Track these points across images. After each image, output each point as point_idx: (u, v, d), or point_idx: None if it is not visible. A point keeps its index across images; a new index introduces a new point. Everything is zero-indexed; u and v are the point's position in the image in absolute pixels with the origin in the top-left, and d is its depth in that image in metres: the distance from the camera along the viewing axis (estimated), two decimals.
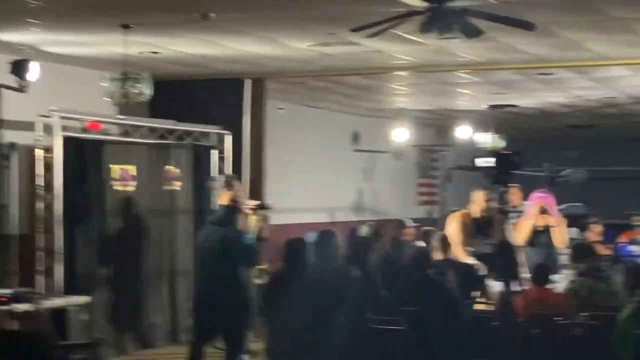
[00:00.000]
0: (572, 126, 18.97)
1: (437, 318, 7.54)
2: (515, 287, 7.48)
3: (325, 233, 7.73)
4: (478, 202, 9.42)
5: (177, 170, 11.25)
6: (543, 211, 9.90)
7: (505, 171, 6.29)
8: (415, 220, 14.90)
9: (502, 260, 6.22)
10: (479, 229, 9.37)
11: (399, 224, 13.63)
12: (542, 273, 8.45)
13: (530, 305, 8.01)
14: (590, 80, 12.65)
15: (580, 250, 8.51)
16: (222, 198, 10.02)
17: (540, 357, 6.50)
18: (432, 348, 7.56)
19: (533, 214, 9.94)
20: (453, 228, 9.59)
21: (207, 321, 8.91)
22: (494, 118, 16.59)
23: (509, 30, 7.99)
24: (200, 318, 9.02)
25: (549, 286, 8.43)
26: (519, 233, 10.10)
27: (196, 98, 12.28)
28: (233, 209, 8.98)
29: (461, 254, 9.11)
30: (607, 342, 7.13)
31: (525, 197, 13.53)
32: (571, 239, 13.94)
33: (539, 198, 10.05)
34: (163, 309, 11.01)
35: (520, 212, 12.87)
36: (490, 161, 6.27)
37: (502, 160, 6.30)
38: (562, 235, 9.91)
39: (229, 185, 10.03)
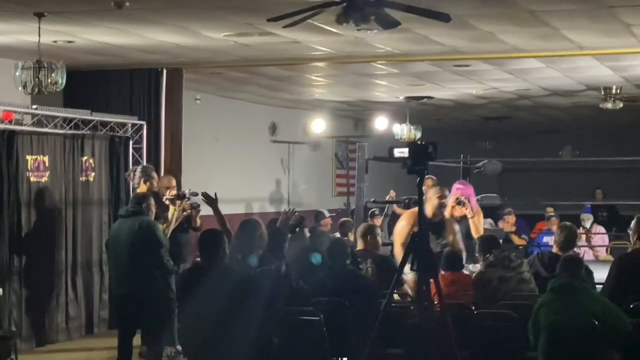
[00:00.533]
0: (488, 118, 19.21)
1: (353, 308, 7.57)
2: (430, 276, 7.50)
3: (248, 223, 7.74)
4: (430, 200, 9.38)
5: (92, 161, 11.10)
6: (459, 202, 9.99)
7: (420, 162, 6.30)
8: (332, 211, 14.95)
9: (418, 249, 6.26)
10: (431, 228, 9.32)
11: (318, 215, 13.65)
12: (453, 259, 8.56)
13: (446, 288, 8.11)
14: (505, 72, 12.82)
15: (487, 242, 8.59)
16: (140, 188, 9.98)
17: (455, 346, 6.55)
18: (348, 338, 7.60)
19: (450, 205, 10.03)
20: (402, 226, 9.48)
21: (124, 312, 8.89)
22: (411, 109, 16.71)
23: (425, 21, 8.05)
24: (118, 309, 9.00)
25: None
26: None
27: (112, 88, 12.17)
28: (144, 198, 9.00)
29: (399, 254, 8.93)
30: (520, 331, 7.24)
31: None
32: (486, 229, 14.16)
33: (457, 189, 10.14)
34: (77, 301, 10.87)
35: None
36: (404, 151, 6.27)
37: (416, 150, 6.31)
38: (477, 226, 10.01)
39: (147, 175, 9.99)
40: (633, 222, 8.19)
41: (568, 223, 8.85)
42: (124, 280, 8.76)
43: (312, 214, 13.74)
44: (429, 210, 9.32)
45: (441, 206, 9.54)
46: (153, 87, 12.09)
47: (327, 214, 13.72)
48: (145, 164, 11.07)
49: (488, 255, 8.37)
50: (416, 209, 9.47)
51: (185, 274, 7.19)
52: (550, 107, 17.13)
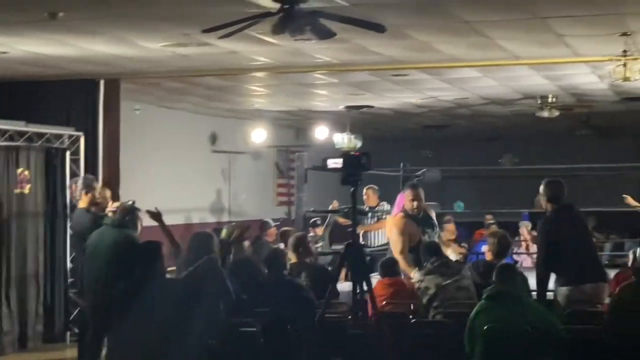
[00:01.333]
0: (427, 126, 19.33)
1: (291, 319, 7.56)
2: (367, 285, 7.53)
3: (199, 235, 7.74)
4: (407, 203, 9.40)
5: (27, 173, 10.96)
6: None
7: (353, 172, 6.33)
8: (275, 220, 14.93)
9: (353, 259, 6.28)
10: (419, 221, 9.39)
11: (263, 225, 13.64)
12: (390, 266, 8.62)
13: (384, 295, 8.15)
14: (443, 82, 12.92)
15: (429, 248, 8.65)
16: (82, 200, 9.89)
17: (392, 355, 6.59)
18: (286, 349, 7.59)
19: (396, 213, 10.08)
20: (395, 234, 9.39)
21: (95, 322, 8.82)
22: (351, 118, 16.77)
23: (362, 32, 8.08)
24: (91, 318, 8.93)
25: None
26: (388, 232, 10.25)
27: (48, 99, 12.02)
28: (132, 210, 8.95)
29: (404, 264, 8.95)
30: (457, 339, 7.29)
31: (383, 198, 13.76)
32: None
33: (401, 197, 10.19)
34: (11, 316, 10.70)
35: (376, 212, 13.12)
36: (338, 162, 6.31)
37: (349, 161, 6.35)
38: None
39: (88, 187, 9.91)
40: (541, 187, 8.35)
41: (500, 231, 8.96)
42: (100, 290, 8.67)
43: (254, 223, 13.72)
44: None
45: (416, 207, 9.59)
46: (90, 98, 11.97)
47: (272, 223, 13.72)
48: (85, 175, 10.97)
49: (426, 263, 8.43)
50: (399, 214, 9.59)
51: (124, 287, 7.11)
52: (489, 115, 17.29)
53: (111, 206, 9.87)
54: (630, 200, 11.84)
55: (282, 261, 8.36)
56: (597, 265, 8.15)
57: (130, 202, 9.82)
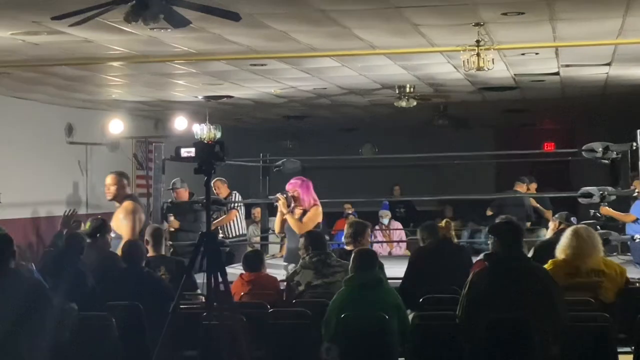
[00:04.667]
0: (288, 117, 19.35)
1: (149, 311, 7.47)
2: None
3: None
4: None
5: None
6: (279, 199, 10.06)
7: (206, 161, 6.27)
8: None
9: (207, 250, 6.22)
10: None
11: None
12: (252, 259, 8.58)
13: (246, 288, 8.12)
14: (302, 72, 12.92)
15: (311, 239, 8.55)
16: None
17: (247, 346, 6.56)
18: (143, 341, 7.48)
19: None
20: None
21: None
22: (211, 109, 16.64)
23: (219, 21, 8.02)
24: None
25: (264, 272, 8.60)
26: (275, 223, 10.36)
27: None
28: None
29: None
30: (316, 328, 7.31)
31: (243, 188, 13.71)
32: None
33: (289, 184, 10.19)
34: None
35: (224, 204, 13.10)
36: (192, 151, 6.24)
37: (202, 150, 6.28)
38: (295, 222, 9.99)
39: None
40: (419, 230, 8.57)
41: (355, 218, 9.05)
42: None
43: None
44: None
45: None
46: None
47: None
48: None
49: (306, 255, 8.35)
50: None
51: None
52: (349, 105, 17.41)
53: None
54: (606, 210, 12.04)
55: (140, 253, 8.25)
56: None
57: None
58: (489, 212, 14.85)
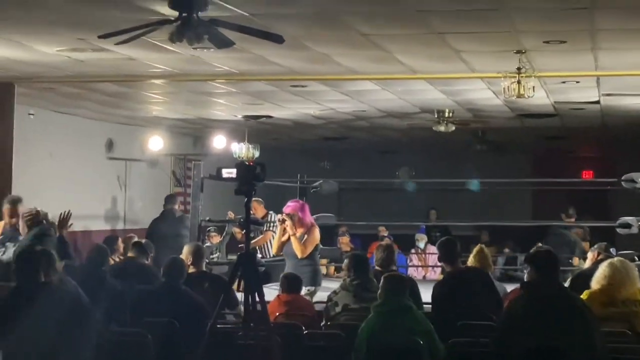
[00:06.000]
0: (326, 138, 19.40)
1: (183, 330, 7.50)
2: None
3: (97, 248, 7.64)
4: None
5: None
6: (282, 220, 10.10)
7: (247, 182, 6.32)
8: None
9: (245, 269, 6.27)
10: None
11: None
12: (291, 281, 8.61)
13: (283, 309, 8.14)
14: (341, 94, 12.98)
15: (355, 261, 8.53)
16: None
17: None
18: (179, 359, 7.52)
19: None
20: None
21: None
22: (250, 128, 16.73)
23: (261, 42, 8.08)
24: None
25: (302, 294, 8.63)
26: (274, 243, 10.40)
27: None
28: None
29: None
30: (350, 351, 7.31)
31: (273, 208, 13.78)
32: (321, 248, 14.28)
33: (287, 206, 10.25)
34: None
35: (262, 223, 13.16)
36: (233, 172, 6.30)
37: (243, 171, 6.34)
38: (299, 245, 10.06)
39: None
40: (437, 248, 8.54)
41: (386, 242, 9.05)
42: None
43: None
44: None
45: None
46: None
47: None
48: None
49: (347, 277, 8.33)
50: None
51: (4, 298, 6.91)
52: (387, 128, 17.44)
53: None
54: None
55: (181, 271, 8.30)
56: None
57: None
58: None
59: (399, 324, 7.13)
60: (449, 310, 7.85)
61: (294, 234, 10.02)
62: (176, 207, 13.89)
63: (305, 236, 10.12)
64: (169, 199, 14.05)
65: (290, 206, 10.28)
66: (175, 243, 11.96)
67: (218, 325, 6.84)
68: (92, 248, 9.28)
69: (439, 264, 16.01)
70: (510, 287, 9.27)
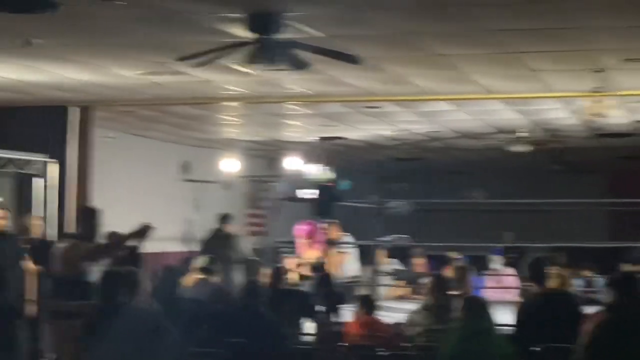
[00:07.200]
0: (400, 159, 19.35)
1: (259, 349, 7.51)
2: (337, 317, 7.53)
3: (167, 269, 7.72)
4: None
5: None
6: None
7: (326, 202, 6.34)
8: None
9: (324, 291, 6.27)
10: None
11: None
12: (368, 302, 8.60)
13: (359, 330, 8.11)
14: (416, 114, 12.94)
15: (437, 283, 8.49)
16: None
17: None
18: None
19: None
20: None
21: None
22: (324, 150, 16.75)
23: (336, 63, 8.10)
24: None
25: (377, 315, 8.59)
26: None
27: (20, 125, 11.95)
28: None
29: None
30: None
31: (355, 229, 13.75)
32: (396, 270, 14.24)
33: (302, 230, 10.36)
34: None
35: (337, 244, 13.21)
36: (310, 192, 6.33)
37: (323, 191, 6.36)
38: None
39: None
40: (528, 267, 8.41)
41: (460, 264, 8.95)
42: None
43: None
44: None
45: None
46: (63, 125, 11.93)
47: None
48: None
49: (430, 298, 8.27)
50: None
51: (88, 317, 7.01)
52: (461, 149, 17.35)
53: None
54: None
55: (260, 292, 8.33)
56: None
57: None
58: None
59: (482, 347, 7.04)
60: (535, 332, 7.74)
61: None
62: (227, 226, 13.96)
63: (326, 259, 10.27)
64: (221, 218, 14.13)
65: (303, 229, 10.40)
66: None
67: (295, 346, 6.82)
68: (165, 269, 9.35)
69: (515, 285, 15.91)
70: (588, 310, 9.10)
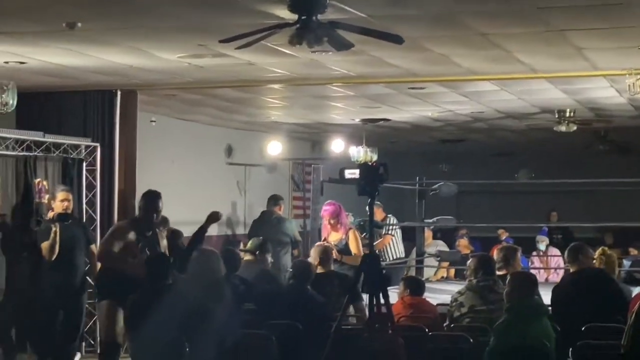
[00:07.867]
0: (444, 140, 19.29)
1: (305, 331, 7.54)
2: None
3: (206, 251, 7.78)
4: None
5: (46, 183, 10.97)
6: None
7: (370, 182, 6.32)
8: None
9: (369, 271, 6.27)
10: None
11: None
12: (415, 283, 8.60)
13: (405, 311, 8.11)
14: (460, 95, 12.87)
15: (480, 262, 8.43)
16: None
17: None
18: None
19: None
20: None
21: None
22: (367, 131, 16.74)
23: (380, 44, 8.06)
24: None
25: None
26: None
27: (65, 109, 12.07)
28: None
29: None
30: (475, 354, 7.22)
31: (399, 211, 13.74)
32: (441, 251, 14.21)
33: (325, 210, 10.37)
34: None
35: (381, 226, 13.20)
36: (355, 173, 6.31)
37: (366, 171, 6.33)
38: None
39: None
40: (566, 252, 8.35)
41: (506, 244, 8.87)
42: None
43: None
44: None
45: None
46: (107, 109, 11.99)
47: None
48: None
49: (473, 277, 8.24)
50: None
51: (132, 299, 7.09)
52: (505, 129, 17.23)
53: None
54: None
55: (308, 274, 8.35)
56: None
57: None
58: None
59: (533, 326, 7.00)
60: (570, 312, 7.69)
61: (341, 259, 10.10)
62: (276, 209, 13.96)
63: (350, 242, 10.26)
64: (271, 200, 14.14)
65: (327, 210, 10.39)
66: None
67: (342, 327, 6.83)
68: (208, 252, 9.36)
69: (561, 266, 15.83)
70: (636, 290, 9.04)
